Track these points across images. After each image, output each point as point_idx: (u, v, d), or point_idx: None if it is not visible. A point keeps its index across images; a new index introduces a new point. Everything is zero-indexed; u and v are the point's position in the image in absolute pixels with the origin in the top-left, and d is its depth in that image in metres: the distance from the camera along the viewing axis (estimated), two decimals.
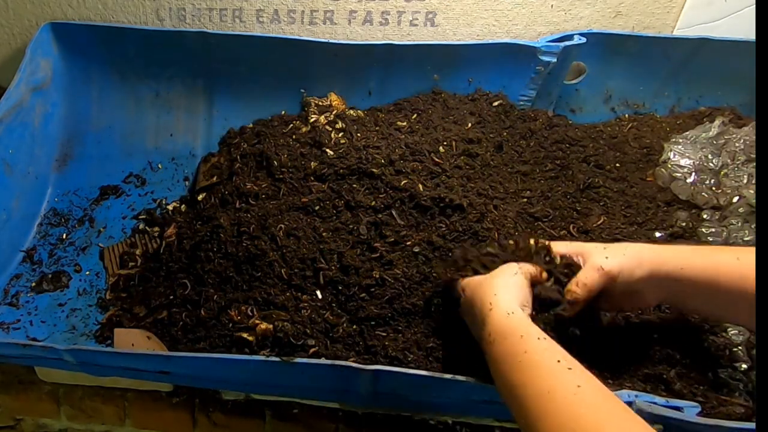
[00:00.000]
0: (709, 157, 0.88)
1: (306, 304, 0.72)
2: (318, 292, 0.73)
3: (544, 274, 0.60)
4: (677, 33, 1.00)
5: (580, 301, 0.57)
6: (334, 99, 1.00)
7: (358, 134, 0.89)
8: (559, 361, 0.47)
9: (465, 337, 0.62)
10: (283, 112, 1.02)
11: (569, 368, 0.46)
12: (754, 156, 0.86)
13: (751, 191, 0.83)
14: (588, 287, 0.56)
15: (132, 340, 0.76)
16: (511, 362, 0.49)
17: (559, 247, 0.62)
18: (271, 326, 0.69)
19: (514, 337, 0.50)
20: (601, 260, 0.57)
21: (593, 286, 0.56)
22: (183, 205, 0.98)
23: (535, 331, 0.50)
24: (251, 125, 1.02)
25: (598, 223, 0.81)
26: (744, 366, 0.64)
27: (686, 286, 0.55)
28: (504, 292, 0.54)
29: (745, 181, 0.84)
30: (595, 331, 0.64)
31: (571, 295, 0.57)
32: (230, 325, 0.72)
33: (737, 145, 0.88)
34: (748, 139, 0.88)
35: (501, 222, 0.78)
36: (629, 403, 0.55)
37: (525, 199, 0.84)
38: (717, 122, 0.92)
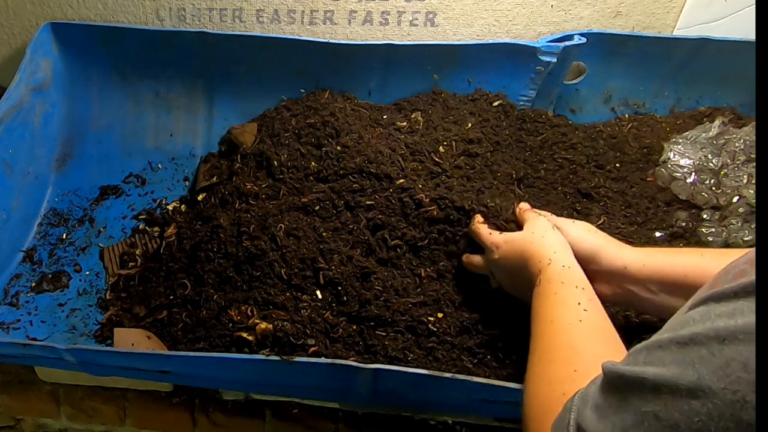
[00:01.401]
0: (709, 157, 0.88)
1: (306, 304, 0.72)
2: (318, 292, 0.73)
3: None
4: (677, 33, 1.00)
5: None
6: None
7: None
8: (579, 304, 0.54)
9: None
10: None
11: (585, 310, 0.53)
12: (754, 156, 0.86)
13: (751, 191, 0.83)
14: None
15: (132, 339, 0.76)
16: (547, 300, 0.56)
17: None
18: (270, 326, 0.69)
19: (566, 285, 0.56)
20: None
21: None
22: (183, 205, 0.98)
23: (582, 281, 0.57)
24: None
25: (599, 223, 0.81)
26: None
27: (647, 283, 0.60)
28: (562, 249, 0.61)
29: (745, 181, 0.84)
30: None
31: None
32: (230, 325, 0.72)
33: (737, 145, 0.88)
34: (748, 139, 0.88)
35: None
36: None
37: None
38: (717, 122, 0.92)
